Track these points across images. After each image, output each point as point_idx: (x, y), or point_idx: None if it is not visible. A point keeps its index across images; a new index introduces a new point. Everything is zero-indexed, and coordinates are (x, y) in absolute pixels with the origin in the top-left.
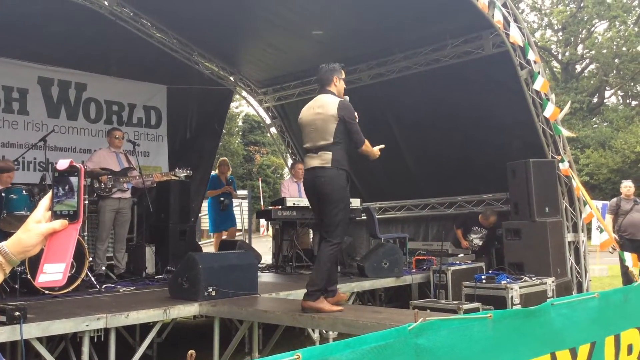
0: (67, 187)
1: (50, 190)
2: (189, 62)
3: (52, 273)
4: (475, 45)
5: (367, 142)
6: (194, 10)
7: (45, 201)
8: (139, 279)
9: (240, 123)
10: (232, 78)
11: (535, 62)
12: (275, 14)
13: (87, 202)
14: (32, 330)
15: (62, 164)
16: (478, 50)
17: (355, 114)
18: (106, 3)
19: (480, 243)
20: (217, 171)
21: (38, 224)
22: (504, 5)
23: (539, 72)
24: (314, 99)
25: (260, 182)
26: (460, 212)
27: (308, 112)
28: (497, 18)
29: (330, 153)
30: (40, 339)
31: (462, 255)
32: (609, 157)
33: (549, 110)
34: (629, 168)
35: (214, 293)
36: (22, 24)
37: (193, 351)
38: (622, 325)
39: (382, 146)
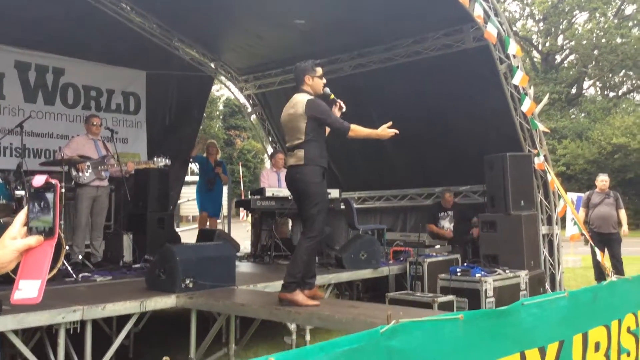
0: (42, 204)
1: (26, 206)
2: (169, 47)
3: (28, 289)
4: (456, 39)
5: (355, 127)
6: None
7: (21, 217)
8: (116, 268)
9: (221, 107)
10: (212, 64)
11: (514, 56)
12: (257, 2)
13: (63, 190)
14: (8, 323)
15: (38, 180)
16: (458, 43)
17: (338, 104)
18: None
19: (452, 225)
20: (204, 153)
21: (14, 240)
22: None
23: (517, 67)
24: (291, 98)
25: (240, 166)
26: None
27: (285, 112)
28: (478, 12)
29: (303, 150)
30: (15, 331)
31: (439, 246)
32: (585, 148)
33: (526, 105)
34: (605, 159)
35: (191, 285)
36: None
37: (167, 357)
38: (590, 324)
39: (390, 123)
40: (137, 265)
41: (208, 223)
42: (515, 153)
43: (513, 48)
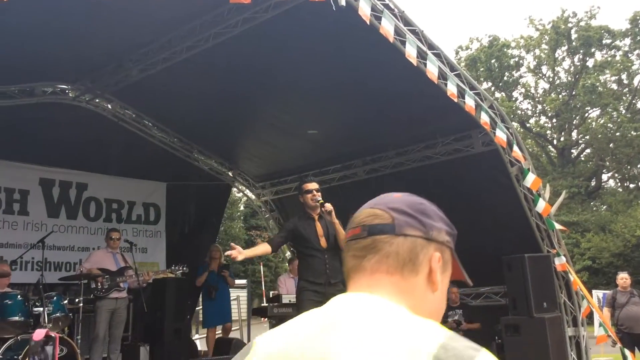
0: (42, 356)
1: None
2: (189, 158)
3: None
4: (465, 144)
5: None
6: (194, 111)
7: None
8: None
9: (242, 208)
10: (230, 173)
11: (521, 161)
12: (272, 116)
13: (81, 303)
14: None
15: (39, 334)
16: (468, 148)
17: (325, 208)
18: (109, 106)
19: (460, 319)
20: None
21: None
22: (491, 107)
23: (529, 169)
24: None
25: (261, 266)
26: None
27: None
28: (484, 120)
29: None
30: None
31: None
32: (610, 241)
33: (541, 206)
34: (631, 252)
35: None
36: (26, 127)
37: None
38: None
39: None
40: None
41: (220, 331)
42: (534, 254)
43: (529, 181)
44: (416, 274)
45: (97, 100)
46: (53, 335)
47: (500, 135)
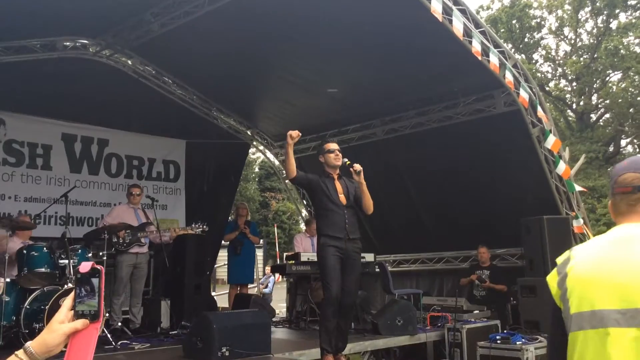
0: (88, 288)
1: (73, 291)
2: (208, 117)
3: None
4: (487, 104)
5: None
6: (214, 69)
7: (68, 302)
8: (154, 335)
9: (256, 169)
10: (249, 132)
11: (545, 121)
12: (292, 73)
13: (105, 257)
14: None
15: (85, 266)
16: (490, 108)
17: (353, 169)
18: (130, 62)
19: (487, 278)
20: (235, 216)
21: (62, 324)
22: (515, 66)
23: (550, 130)
24: None
25: (276, 228)
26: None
27: None
28: (508, 79)
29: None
30: None
31: (477, 312)
32: None
33: (561, 168)
34: None
35: (227, 354)
36: (47, 82)
37: None
38: None
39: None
40: (175, 332)
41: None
42: (552, 216)
43: (550, 142)
44: None
45: (117, 56)
46: (99, 268)
47: (524, 95)
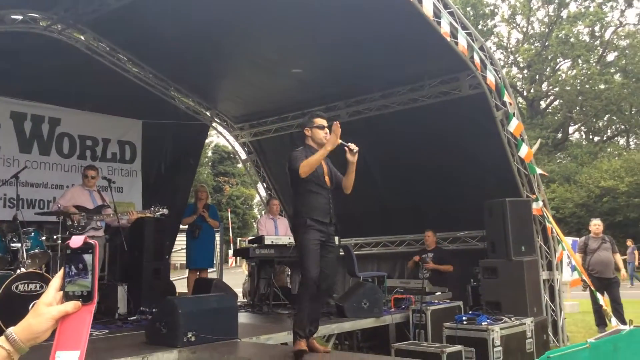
0: (80, 266)
1: (62, 269)
2: (165, 96)
3: None
4: (452, 86)
5: (304, 163)
6: (172, 46)
7: (56, 281)
8: (112, 321)
9: (209, 154)
10: (208, 113)
11: (510, 104)
12: (253, 53)
13: (59, 240)
14: None
15: (76, 241)
16: (455, 91)
17: (348, 148)
18: (82, 38)
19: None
20: (194, 199)
21: (49, 307)
22: (481, 48)
23: (514, 114)
24: None
25: (229, 213)
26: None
27: None
28: (476, 61)
29: (293, 205)
30: None
31: (439, 293)
32: (574, 192)
33: (524, 151)
34: (594, 203)
35: (193, 339)
36: None
37: None
38: None
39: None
40: (133, 318)
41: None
42: (514, 199)
43: (513, 125)
44: None
45: (69, 31)
46: (93, 242)
47: (490, 78)
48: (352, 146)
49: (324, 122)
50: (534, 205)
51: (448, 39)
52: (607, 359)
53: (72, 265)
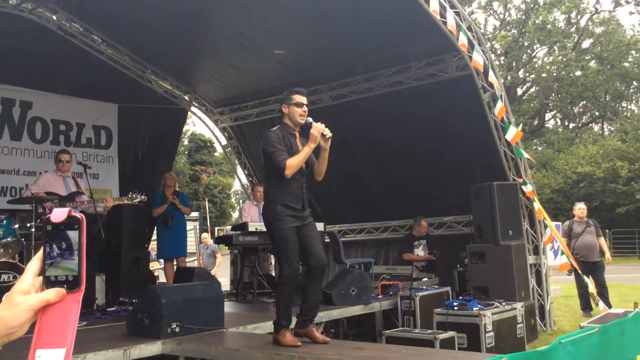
0: (63, 245)
1: (41, 249)
2: (142, 80)
3: None
4: (439, 68)
5: (290, 161)
6: (148, 26)
7: (34, 264)
8: (90, 312)
9: (186, 142)
10: (187, 97)
11: (497, 87)
12: (235, 33)
13: (33, 229)
14: None
15: (58, 214)
16: (441, 72)
17: (320, 132)
18: (54, 18)
19: (426, 253)
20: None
21: (26, 295)
22: (469, 28)
23: (500, 96)
24: None
25: (207, 202)
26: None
27: None
28: (462, 41)
29: (265, 187)
30: None
31: (427, 279)
32: (551, 178)
33: (511, 134)
34: (571, 188)
35: (177, 329)
36: None
37: None
38: (619, 358)
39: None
40: (112, 309)
41: (175, 263)
42: (502, 182)
43: (498, 108)
44: None
45: (40, 10)
46: (79, 216)
47: (477, 59)
48: (326, 131)
49: (302, 100)
50: (524, 189)
51: (437, 17)
52: (615, 341)
53: (54, 244)
